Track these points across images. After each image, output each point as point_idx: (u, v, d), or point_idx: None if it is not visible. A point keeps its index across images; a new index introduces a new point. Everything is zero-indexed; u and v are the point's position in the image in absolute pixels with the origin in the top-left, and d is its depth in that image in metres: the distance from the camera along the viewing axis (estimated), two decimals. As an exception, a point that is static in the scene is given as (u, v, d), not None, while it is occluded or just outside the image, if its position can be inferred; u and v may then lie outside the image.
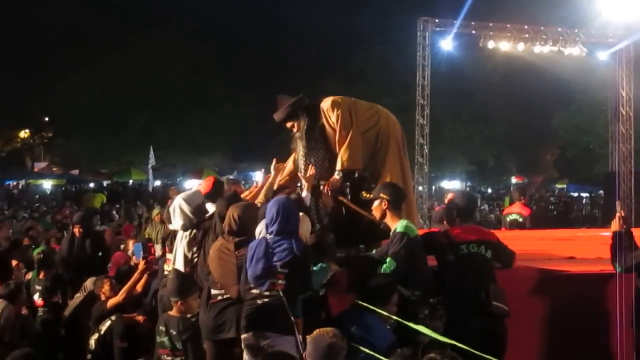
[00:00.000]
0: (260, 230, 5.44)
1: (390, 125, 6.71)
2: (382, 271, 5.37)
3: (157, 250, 8.75)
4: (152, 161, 17.88)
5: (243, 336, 5.05)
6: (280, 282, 4.92)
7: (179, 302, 5.52)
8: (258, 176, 36.57)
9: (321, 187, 6.36)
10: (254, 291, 5.02)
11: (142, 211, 18.93)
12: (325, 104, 6.53)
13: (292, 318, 4.76)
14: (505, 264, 5.79)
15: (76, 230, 9.66)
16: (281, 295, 4.85)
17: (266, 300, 4.95)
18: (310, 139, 6.48)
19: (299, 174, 6.50)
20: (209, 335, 5.53)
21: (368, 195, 5.80)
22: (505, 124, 41.31)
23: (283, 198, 5.36)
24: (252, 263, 5.00)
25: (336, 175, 6.30)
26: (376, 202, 5.66)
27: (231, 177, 11.61)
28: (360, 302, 4.88)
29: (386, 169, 6.45)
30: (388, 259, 5.38)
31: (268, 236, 5.11)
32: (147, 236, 12.64)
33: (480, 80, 37.61)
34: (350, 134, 6.35)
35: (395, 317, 4.87)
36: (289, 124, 6.57)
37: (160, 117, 36.96)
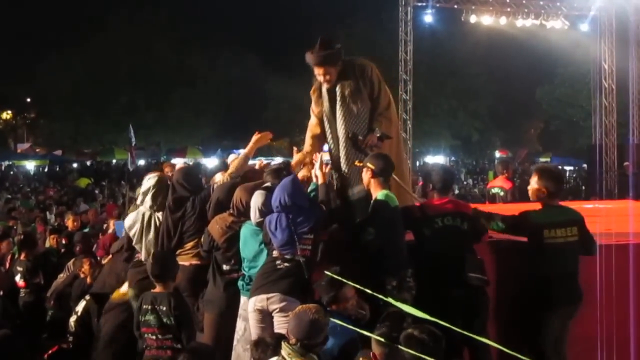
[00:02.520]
0: (255, 214, 5.48)
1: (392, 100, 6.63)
2: (362, 239, 5.40)
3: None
4: (133, 140, 17.70)
5: (254, 298, 5.13)
6: (306, 247, 5.15)
7: (161, 283, 5.50)
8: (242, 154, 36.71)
9: (359, 139, 6.06)
10: (275, 253, 5.20)
11: (126, 190, 18.80)
12: (361, 62, 6.27)
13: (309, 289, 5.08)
14: (480, 235, 5.78)
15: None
16: (302, 262, 5.10)
17: (287, 264, 5.13)
18: (348, 93, 6.09)
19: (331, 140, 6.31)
20: (215, 309, 5.74)
21: (359, 164, 5.74)
22: (489, 98, 41.34)
23: (285, 181, 5.37)
24: (277, 232, 5.15)
25: (376, 134, 6.04)
26: (364, 171, 5.64)
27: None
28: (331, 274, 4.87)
29: (388, 143, 6.28)
30: (368, 229, 5.37)
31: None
32: (130, 215, 12.58)
33: (463, 55, 37.56)
34: (390, 99, 6.29)
35: (362, 287, 4.84)
36: (322, 71, 6.04)
37: (144, 96, 36.73)
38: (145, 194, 6.60)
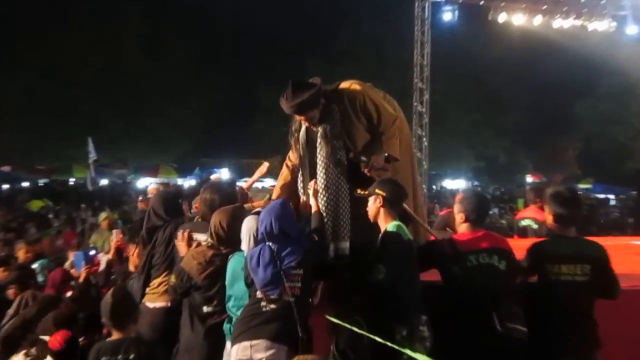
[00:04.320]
0: (249, 242, 5.52)
1: (402, 114, 6.63)
2: (371, 282, 5.34)
3: (103, 261, 8.65)
4: (92, 155, 17.69)
5: (235, 347, 5.11)
6: (295, 285, 5.15)
7: (119, 329, 5.46)
8: (224, 174, 36.63)
9: (362, 160, 6.04)
10: (258, 294, 5.18)
11: (87, 215, 18.78)
12: (350, 90, 6.22)
13: (299, 333, 5.00)
14: (517, 277, 5.73)
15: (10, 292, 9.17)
16: (292, 303, 5.07)
17: (273, 306, 5.12)
18: (334, 134, 6.09)
19: (304, 189, 6.29)
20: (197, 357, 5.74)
21: (363, 192, 5.71)
22: (519, 112, 41.52)
23: (274, 204, 5.44)
24: (258, 269, 5.15)
25: (381, 155, 6.06)
26: (371, 199, 5.60)
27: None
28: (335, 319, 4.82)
29: (399, 166, 6.32)
30: (377, 266, 5.33)
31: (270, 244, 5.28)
32: (92, 244, 12.55)
33: (490, 60, 37.82)
34: (395, 115, 6.28)
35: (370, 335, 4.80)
36: (303, 118, 6.11)
37: (111, 105, 36.67)
38: None
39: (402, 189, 5.70)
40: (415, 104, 20.07)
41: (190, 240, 6.03)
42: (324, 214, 5.97)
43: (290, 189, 6.56)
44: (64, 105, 35.28)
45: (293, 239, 5.24)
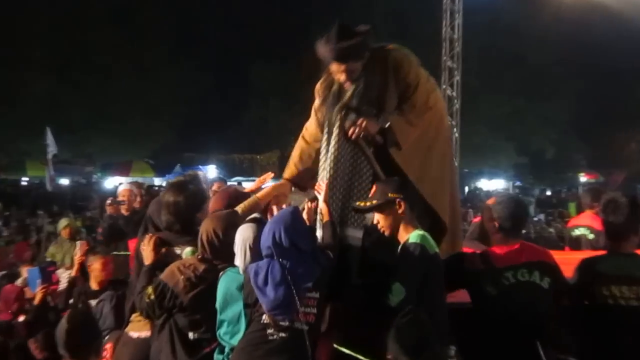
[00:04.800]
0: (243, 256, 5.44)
1: (444, 111, 6.60)
2: (389, 305, 5.25)
3: (63, 278, 8.66)
4: (52, 149, 17.74)
5: None
6: (310, 310, 5.10)
7: None
8: (211, 172, 36.53)
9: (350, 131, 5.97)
10: (265, 318, 5.12)
11: (44, 223, 18.82)
12: (397, 53, 6.19)
13: None
14: (565, 296, 5.73)
15: None
16: (305, 332, 4.99)
17: (283, 335, 5.06)
18: (367, 99, 6.04)
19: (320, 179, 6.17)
20: None
21: (365, 204, 5.62)
22: (571, 97, 41.39)
23: (283, 212, 5.37)
24: (267, 289, 5.04)
25: (377, 123, 5.99)
26: (382, 210, 5.52)
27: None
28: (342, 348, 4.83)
29: (439, 170, 6.25)
30: (395, 285, 5.25)
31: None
32: (49, 258, 12.56)
33: (534, 34, 37.68)
34: (430, 96, 6.19)
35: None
36: (344, 68, 6.00)
37: (71, 85, 36.48)
38: None
39: (413, 186, 5.71)
40: (444, 86, 20.05)
41: (157, 247, 5.95)
42: (331, 191, 5.95)
43: (305, 165, 6.57)
44: (14, 86, 34.89)
45: (307, 255, 5.16)
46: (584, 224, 10.33)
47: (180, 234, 6.10)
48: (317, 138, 6.46)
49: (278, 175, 7.12)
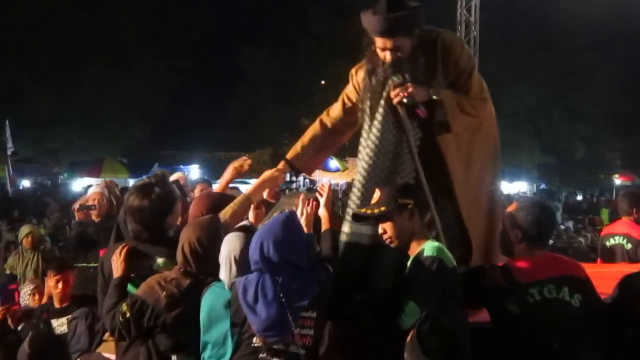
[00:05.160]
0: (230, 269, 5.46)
1: (491, 107, 6.67)
2: (401, 323, 5.29)
3: (25, 293, 8.71)
4: (10, 146, 17.69)
5: None
6: (307, 332, 5.09)
7: None
8: (193, 172, 36.43)
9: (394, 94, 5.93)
10: (255, 341, 5.11)
11: (2, 230, 18.86)
12: (449, 36, 6.31)
13: None
14: (599, 317, 5.62)
15: None
16: (301, 356, 5.01)
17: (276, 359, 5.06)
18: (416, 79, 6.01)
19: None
20: None
21: (372, 211, 5.62)
22: (605, 89, 41.31)
23: (275, 221, 5.35)
24: (257, 306, 5.06)
25: (432, 93, 5.98)
26: (398, 215, 5.54)
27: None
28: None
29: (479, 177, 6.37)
30: (409, 305, 5.26)
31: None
32: (9, 271, 12.60)
33: (562, 18, 37.61)
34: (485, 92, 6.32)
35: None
36: (391, 44, 5.97)
37: (36, 73, 36.40)
38: None
39: (447, 188, 5.83)
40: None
41: (129, 259, 5.84)
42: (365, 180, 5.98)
43: (312, 151, 6.72)
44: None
45: (303, 270, 5.16)
46: (621, 232, 10.26)
47: (150, 243, 6.01)
48: (337, 127, 6.65)
49: (266, 164, 7.18)
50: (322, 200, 5.87)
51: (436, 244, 5.44)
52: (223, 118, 42.37)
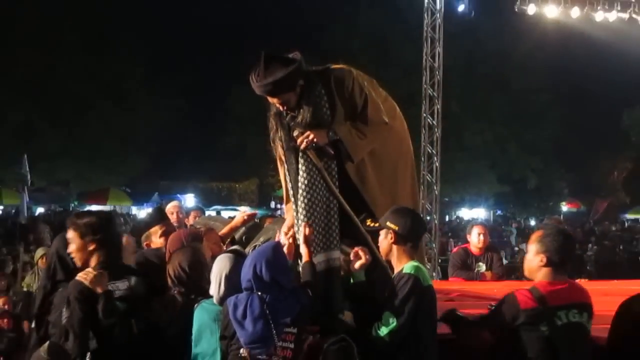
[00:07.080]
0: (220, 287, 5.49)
1: (403, 126, 6.65)
2: (377, 335, 5.30)
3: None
4: (27, 177, 17.58)
5: None
6: (287, 345, 5.11)
7: None
8: (189, 200, 36.45)
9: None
10: (242, 352, 5.13)
11: (19, 252, 18.71)
12: (338, 72, 6.23)
13: None
14: None
15: None
16: None
17: None
18: (317, 121, 6.02)
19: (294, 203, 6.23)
20: None
21: (373, 224, 5.70)
22: (553, 125, 41.51)
23: (265, 247, 5.46)
24: (245, 322, 5.11)
25: (329, 133, 6.01)
26: (382, 234, 5.62)
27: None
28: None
29: (399, 189, 6.38)
30: (385, 315, 5.28)
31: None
32: (25, 288, 12.53)
33: (517, 61, 37.91)
34: (380, 105, 6.23)
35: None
36: (277, 100, 6.04)
37: (47, 113, 36.23)
38: None
39: (421, 223, 5.77)
40: (424, 114, 20.00)
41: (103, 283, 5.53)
42: (306, 217, 5.98)
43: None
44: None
45: (287, 291, 5.22)
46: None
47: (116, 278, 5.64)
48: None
49: (257, 204, 7.17)
50: (300, 238, 5.88)
51: (415, 263, 5.43)
52: (215, 151, 42.36)
